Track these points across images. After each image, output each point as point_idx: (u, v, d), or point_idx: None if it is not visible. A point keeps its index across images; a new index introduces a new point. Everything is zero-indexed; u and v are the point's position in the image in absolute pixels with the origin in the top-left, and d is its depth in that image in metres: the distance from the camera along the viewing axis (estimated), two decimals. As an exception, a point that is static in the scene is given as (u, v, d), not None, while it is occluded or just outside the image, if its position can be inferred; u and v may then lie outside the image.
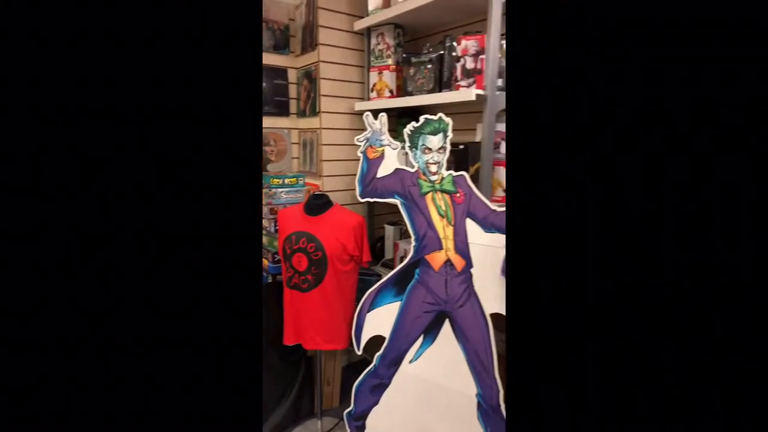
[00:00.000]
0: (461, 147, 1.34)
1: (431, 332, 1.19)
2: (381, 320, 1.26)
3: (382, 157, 1.26)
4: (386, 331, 1.25)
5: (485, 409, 1.10)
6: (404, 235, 1.65)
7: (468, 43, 1.27)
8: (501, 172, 1.38)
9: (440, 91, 1.41)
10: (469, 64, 1.28)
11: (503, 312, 1.08)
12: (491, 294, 1.10)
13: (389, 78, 1.62)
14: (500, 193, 1.39)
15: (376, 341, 1.28)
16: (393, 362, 1.23)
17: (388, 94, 1.63)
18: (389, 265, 1.62)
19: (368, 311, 1.28)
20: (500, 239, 1.06)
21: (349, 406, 1.31)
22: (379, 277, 1.32)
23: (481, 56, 1.26)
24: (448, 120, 1.13)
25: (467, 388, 1.12)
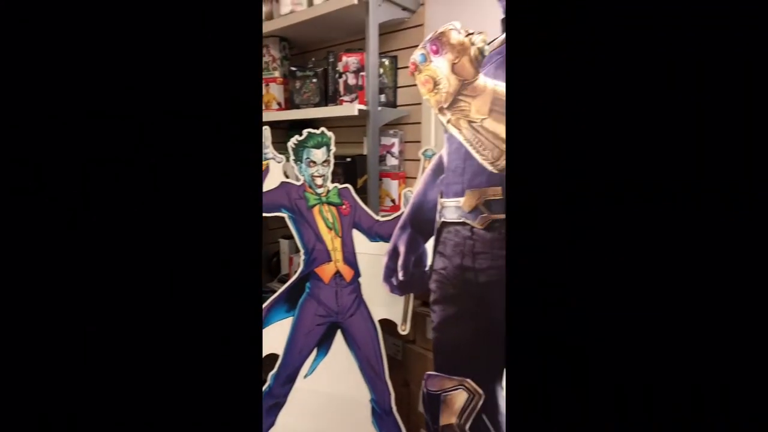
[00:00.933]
0: (348, 160, 1.38)
1: (324, 344, 1.19)
2: (274, 338, 1.23)
3: (267, 170, 1.24)
4: (280, 349, 1.22)
5: (379, 413, 1.13)
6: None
7: (349, 60, 1.32)
8: (388, 184, 1.44)
9: (326, 104, 1.44)
10: (351, 80, 1.33)
11: (390, 317, 1.13)
12: (379, 301, 1.14)
13: (277, 90, 1.60)
14: (388, 203, 1.46)
15: (270, 360, 1.24)
16: (287, 379, 1.21)
17: (276, 106, 1.61)
18: (285, 280, 1.58)
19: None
20: (385, 247, 1.11)
21: (243, 432, 1.25)
22: (274, 293, 1.28)
23: (361, 73, 1.32)
24: (330, 134, 1.15)
25: (361, 395, 1.14)
